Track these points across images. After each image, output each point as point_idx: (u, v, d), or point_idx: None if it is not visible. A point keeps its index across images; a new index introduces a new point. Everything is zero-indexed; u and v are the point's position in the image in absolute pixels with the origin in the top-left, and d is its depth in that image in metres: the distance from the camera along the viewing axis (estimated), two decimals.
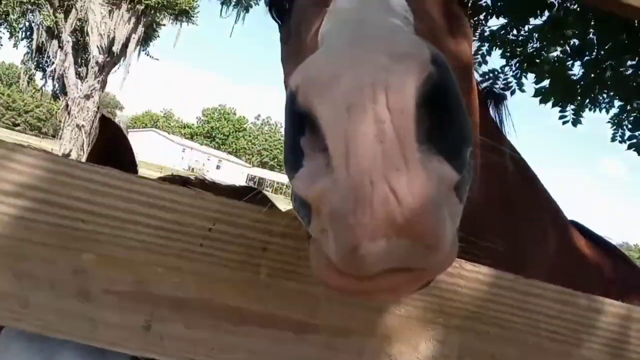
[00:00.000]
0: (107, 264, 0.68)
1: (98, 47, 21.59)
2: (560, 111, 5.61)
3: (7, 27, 21.50)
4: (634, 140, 5.81)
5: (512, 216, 1.35)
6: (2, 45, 21.84)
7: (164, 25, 24.75)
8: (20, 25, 22.83)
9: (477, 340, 0.76)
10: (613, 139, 6.06)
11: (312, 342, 0.72)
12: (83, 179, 0.68)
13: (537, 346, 0.77)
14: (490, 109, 1.39)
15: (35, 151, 0.68)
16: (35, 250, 0.67)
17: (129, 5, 21.96)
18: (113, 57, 22.51)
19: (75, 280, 0.67)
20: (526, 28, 5.82)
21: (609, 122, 6.06)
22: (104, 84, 22.79)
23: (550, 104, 5.56)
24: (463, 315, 0.76)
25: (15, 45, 23.97)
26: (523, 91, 5.97)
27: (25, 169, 0.67)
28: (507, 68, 6.04)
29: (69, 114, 21.78)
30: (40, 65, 25.91)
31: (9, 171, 0.66)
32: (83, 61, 23.52)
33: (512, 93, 5.89)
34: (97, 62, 21.85)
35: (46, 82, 26.03)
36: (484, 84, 5.66)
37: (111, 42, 22.00)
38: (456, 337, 0.75)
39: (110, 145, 1.20)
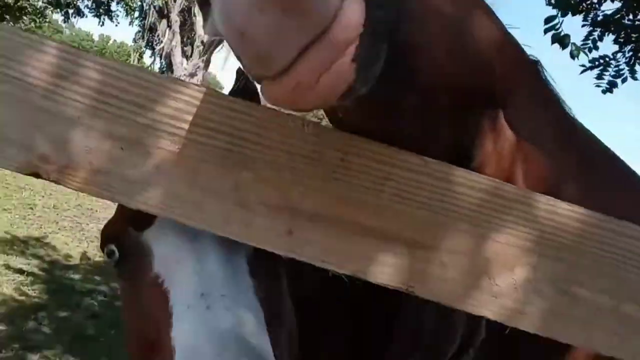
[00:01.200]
0: (261, 182, 0.84)
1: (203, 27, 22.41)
2: None
3: (124, 6, 22.80)
4: None
5: None
6: (118, 23, 23.18)
7: None
8: (135, 5, 24.11)
9: (568, 269, 0.87)
10: None
11: (424, 258, 0.86)
12: (242, 113, 0.85)
13: (624, 278, 0.87)
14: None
15: (206, 89, 0.85)
16: (207, 168, 0.84)
17: None
18: (217, 37, 23.28)
19: (237, 193, 0.85)
20: None
21: None
22: (207, 63, 23.66)
23: None
24: (557, 247, 0.87)
25: (130, 23, 25.44)
26: (635, 79, 5.72)
27: (201, 104, 0.84)
28: (619, 55, 5.80)
29: None
30: (150, 44, 27.31)
31: (189, 105, 0.84)
32: (189, 40, 24.54)
33: (624, 81, 5.65)
34: (202, 42, 22.72)
35: (154, 60, 27.44)
36: (594, 70, 5.46)
37: None
38: (549, 265, 0.87)
39: None
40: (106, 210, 10.08)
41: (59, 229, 7.91)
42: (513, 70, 1.06)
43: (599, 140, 1.47)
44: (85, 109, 0.83)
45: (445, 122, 0.88)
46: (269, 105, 0.79)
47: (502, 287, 0.87)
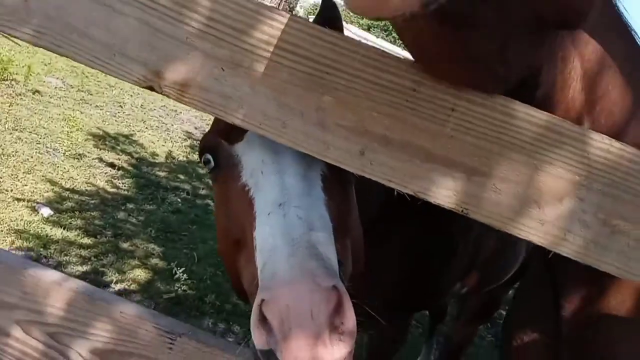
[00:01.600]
0: (340, 106, 0.96)
1: None
2: None
3: None
4: None
5: None
6: None
7: None
8: None
9: (613, 203, 0.96)
10: None
11: (480, 183, 0.97)
12: (328, 42, 0.95)
13: None
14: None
15: (296, 18, 0.96)
16: (293, 90, 0.96)
17: None
18: None
19: (318, 114, 0.97)
20: None
21: None
22: None
23: None
24: (605, 182, 0.95)
25: None
26: None
27: (292, 32, 0.95)
28: None
29: None
30: None
31: (282, 32, 0.95)
32: None
33: None
34: None
35: None
36: None
37: None
38: (595, 197, 0.96)
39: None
40: (189, 112, 10.48)
41: (146, 127, 8.32)
42: None
43: None
44: (195, 32, 0.96)
45: (517, 40, 0.89)
46: (352, 31, 0.90)
47: (549, 215, 0.97)
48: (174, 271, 4.24)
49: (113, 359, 1.19)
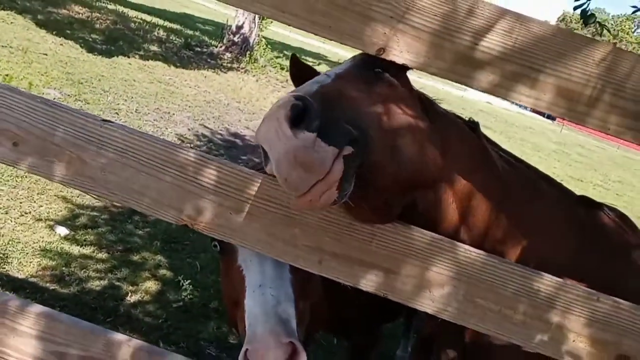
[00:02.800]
0: (305, 233, 1.56)
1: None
2: None
3: None
4: None
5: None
6: None
7: None
8: None
9: (474, 288, 1.56)
10: None
11: (393, 279, 1.56)
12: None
13: (505, 296, 1.56)
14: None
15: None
16: (276, 225, 1.55)
17: None
18: None
19: (291, 239, 1.56)
20: None
21: None
22: None
23: None
24: (468, 275, 1.55)
25: None
26: None
27: (272, 187, 1.54)
28: None
29: None
30: None
31: (265, 188, 1.54)
32: None
33: None
34: None
35: None
36: None
37: None
38: (463, 285, 1.56)
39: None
40: (182, 112, 10.99)
41: None
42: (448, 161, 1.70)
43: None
44: (211, 190, 1.55)
45: (394, 198, 1.55)
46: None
47: (436, 296, 1.57)
48: (181, 283, 4.84)
49: None
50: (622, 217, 2.15)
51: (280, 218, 1.55)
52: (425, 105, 1.77)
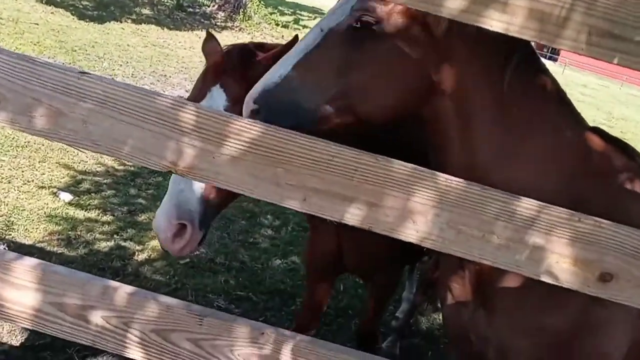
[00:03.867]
0: (287, 173, 1.58)
1: None
2: None
3: None
4: None
5: None
6: None
7: None
8: None
9: (457, 216, 1.59)
10: None
11: (376, 211, 1.59)
12: (276, 136, 1.56)
13: (487, 221, 1.58)
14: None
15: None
16: (258, 166, 1.58)
17: None
18: None
19: (274, 178, 1.59)
20: None
21: None
22: None
23: None
24: (450, 203, 1.58)
25: None
26: None
27: (254, 130, 1.56)
28: None
29: None
30: None
31: (246, 132, 1.56)
32: None
33: None
34: None
35: None
36: None
37: None
38: (446, 213, 1.59)
39: None
40: (178, 74, 10.94)
41: None
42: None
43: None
44: (194, 136, 1.57)
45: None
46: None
47: (420, 226, 1.60)
48: None
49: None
50: (627, 148, 2.17)
51: (262, 158, 1.57)
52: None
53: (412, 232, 1.61)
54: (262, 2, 19.61)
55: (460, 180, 1.58)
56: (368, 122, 1.95)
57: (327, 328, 4.20)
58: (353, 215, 1.61)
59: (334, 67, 1.87)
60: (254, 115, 1.81)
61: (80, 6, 14.21)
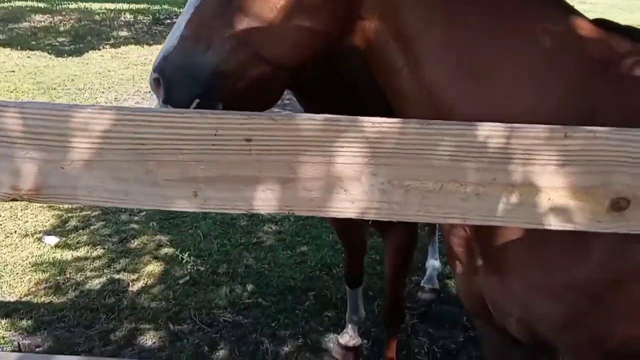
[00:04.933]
0: (163, 165, 1.17)
1: None
2: None
3: None
4: None
5: None
6: None
7: None
8: None
9: (398, 169, 1.16)
10: None
11: (292, 188, 1.18)
12: (135, 120, 1.15)
13: (443, 166, 1.16)
14: None
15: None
16: (122, 165, 1.17)
17: None
18: None
19: (149, 176, 1.18)
20: None
21: None
22: None
23: None
24: (385, 155, 1.16)
25: None
26: None
27: (105, 121, 1.15)
28: None
29: None
30: None
31: (95, 124, 1.15)
32: None
33: None
34: None
35: None
36: None
37: None
38: (384, 169, 1.16)
39: None
40: None
41: None
42: None
43: None
44: (30, 147, 1.17)
45: None
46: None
47: (355, 194, 1.18)
48: (179, 257, 4.55)
49: None
50: None
51: (125, 154, 1.17)
52: None
53: (346, 206, 1.19)
54: None
55: (391, 120, 1.16)
56: (285, 67, 1.54)
57: (344, 316, 3.80)
58: (264, 201, 1.19)
59: (223, 12, 1.46)
60: (158, 86, 1.52)
61: (57, 43, 13.94)
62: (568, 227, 1.19)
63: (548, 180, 1.16)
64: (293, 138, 1.15)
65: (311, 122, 1.15)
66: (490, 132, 1.14)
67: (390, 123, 1.15)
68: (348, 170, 1.17)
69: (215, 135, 1.15)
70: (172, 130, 1.15)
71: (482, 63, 1.49)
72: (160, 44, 14.53)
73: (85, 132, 1.16)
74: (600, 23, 1.67)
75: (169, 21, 17.06)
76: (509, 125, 1.15)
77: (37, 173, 1.18)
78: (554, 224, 1.19)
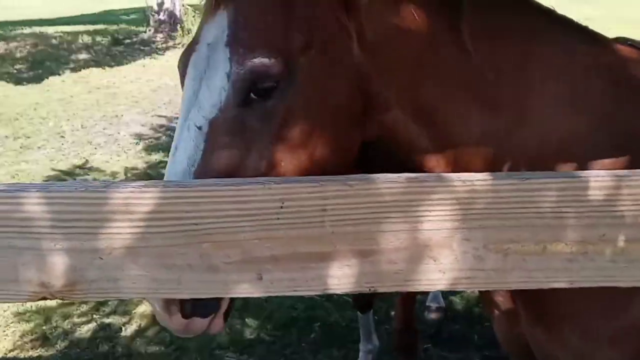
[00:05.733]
0: (220, 246, 0.99)
1: None
2: None
3: None
4: None
5: None
6: None
7: None
8: None
9: (495, 231, 1.01)
10: None
11: (375, 262, 1.01)
12: (184, 198, 0.97)
13: (545, 225, 1.01)
14: None
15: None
16: (172, 250, 0.99)
17: None
18: None
19: (204, 260, 1.00)
20: None
21: None
22: None
23: None
24: (480, 217, 1.00)
25: None
26: None
27: (149, 200, 0.97)
28: None
29: None
30: None
31: (139, 204, 0.97)
32: None
33: None
34: None
35: None
36: None
37: None
38: (478, 233, 1.01)
39: None
40: (130, 111, 10.30)
41: (94, 148, 8.20)
42: None
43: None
44: (60, 238, 0.98)
45: None
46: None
47: (446, 263, 1.02)
48: None
49: None
50: None
51: (175, 237, 0.99)
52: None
53: (437, 277, 1.03)
54: (196, 12, 18.92)
55: (482, 176, 1.00)
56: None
57: (353, 346, 3.64)
58: (341, 279, 1.03)
59: (238, 161, 1.28)
60: None
61: (15, 71, 13.52)
62: None
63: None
64: (372, 204, 0.99)
65: (392, 184, 0.99)
66: (595, 182, 1.00)
67: (482, 180, 0.99)
68: (437, 236, 1.01)
69: (282, 207, 0.98)
70: (229, 206, 0.98)
71: (514, 119, 1.42)
72: (123, 64, 14.26)
73: (127, 215, 0.97)
74: (623, 42, 1.57)
75: (128, 41, 16.75)
76: (615, 172, 1.00)
77: (70, 267, 0.99)
78: None
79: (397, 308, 3.39)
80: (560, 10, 1.57)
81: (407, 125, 1.39)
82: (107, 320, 4.14)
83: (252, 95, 1.27)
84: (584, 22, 1.61)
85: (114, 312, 4.23)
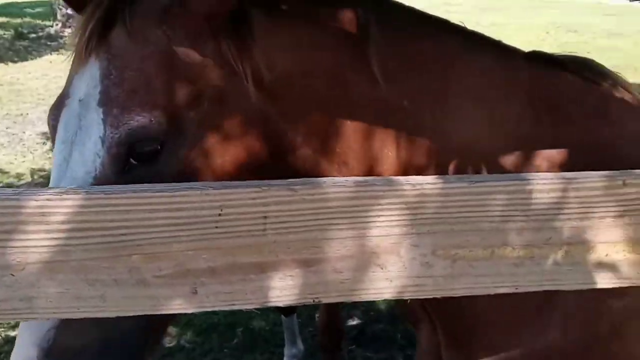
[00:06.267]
0: (151, 258, 0.90)
1: None
2: None
3: None
4: None
5: None
6: None
7: None
8: None
9: (445, 237, 0.97)
10: None
11: (319, 271, 0.95)
12: (112, 205, 0.87)
13: (494, 229, 0.98)
14: None
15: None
16: (96, 263, 0.89)
17: None
18: None
19: (132, 275, 0.90)
20: None
21: None
22: None
23: None
24: (429, 222, 0.96)
25: None
26: None
27: (70, 209, 0.86)
28: None
29: None
30: None
31: (57, 214, 0.86)
32: None
33: None
34: None
35: None
36: None
37: None
38: (427, 238, 0.97)
39: None
40: (36, 109, 9.78)
41: None
42: None
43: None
44: None
45: None
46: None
47: (394, 271, 0.97)
48: None
49: None
50: (590, 68, 1.54)
51: (99, 249, 0.88)
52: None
53: (384, 285, 0.98)
54: None
55: (432, 179, 0.96)
56: None
57: (277, 350, 3.57)
58: (283, 291, 0.95)
59: None
60: None
61: None
62: (625, 283, 1.06)
63: (606, 235, 1.02)
64: (318, 210, 0.92)
65: (339, 188, 0.93)
66: (544, 185, 0.98)
67: (432, 184, 0.95)
68: (385, 243, 0.96)
69: (220, 215, 0.90)
70: (162, 214, 0.89)
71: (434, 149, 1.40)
72: (27, 60, 13.51)
73: (43, 226, 0.86)
74: (536, 57, 1.56)
75: (33, 35, 15.92)
76: (564, 174, 0.99)
77: None
78: (608, 281, 1.05)
79: (322, 309, 3.35)
80: (473, 18, 1.55)
81: (318, 165, 1.31)
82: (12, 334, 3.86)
83: (132, 161, 1.13)
84: (490, 28, 1.60)
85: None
